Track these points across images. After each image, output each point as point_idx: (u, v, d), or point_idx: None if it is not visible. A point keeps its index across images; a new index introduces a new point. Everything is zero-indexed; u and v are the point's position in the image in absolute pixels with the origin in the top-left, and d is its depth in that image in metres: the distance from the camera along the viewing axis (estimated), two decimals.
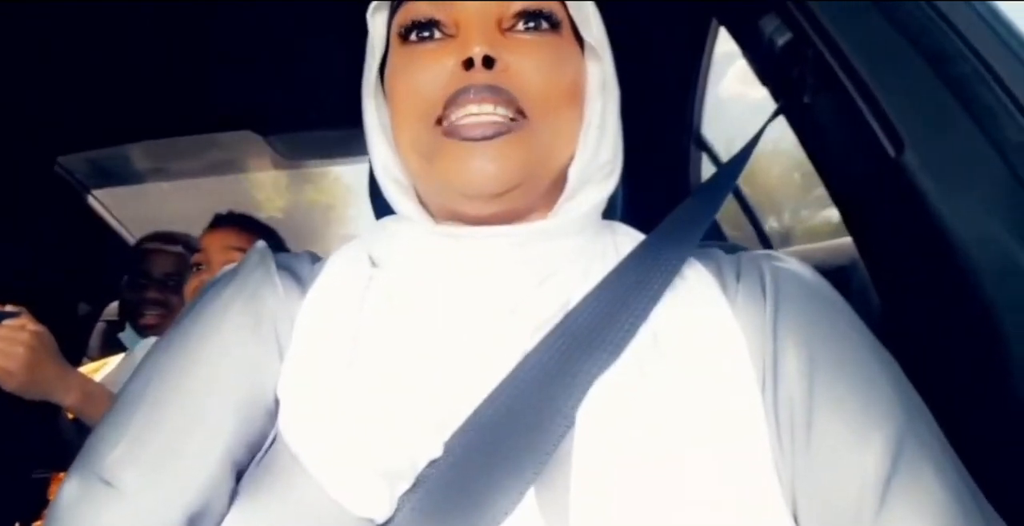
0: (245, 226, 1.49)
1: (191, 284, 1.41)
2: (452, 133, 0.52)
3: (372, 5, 0.60)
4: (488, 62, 0.52)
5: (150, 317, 1.65)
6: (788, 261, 0.58)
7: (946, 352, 0.67)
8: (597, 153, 0.57)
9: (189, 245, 1.76)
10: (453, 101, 0.52)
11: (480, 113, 0.52)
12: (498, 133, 0.51)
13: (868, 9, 0.70)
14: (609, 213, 0.63)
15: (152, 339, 1.60)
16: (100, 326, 2.12)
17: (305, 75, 1.52)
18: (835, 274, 1.08)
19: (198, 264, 1.43)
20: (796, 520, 0.46)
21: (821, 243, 1.36)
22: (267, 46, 1.42)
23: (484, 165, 0.52)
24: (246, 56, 1.45)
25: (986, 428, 0.62)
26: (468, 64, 0.52)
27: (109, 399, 1.15)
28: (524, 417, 0.47)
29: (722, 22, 1.01)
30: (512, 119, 0.52)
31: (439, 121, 0.53)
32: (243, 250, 1.39)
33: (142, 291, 1.66)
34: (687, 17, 1.19)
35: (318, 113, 1.69)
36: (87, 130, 1.76)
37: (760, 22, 0.78)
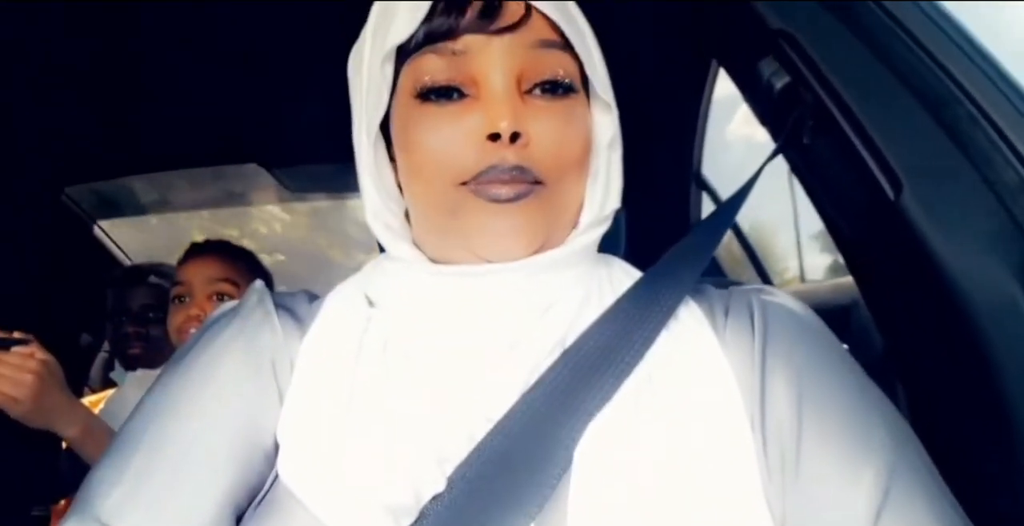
0: (226, 254, 1.46)
1: (176, 318, 1.38)
2: (480, 194, 0.52)
3: (380, 54, 0.56)
4: (515, 138, 0.51)
5: (134, 349, 1.63)
6: (777, 295, 0.58)
7: (947, 391, 0.67)
8: (605, 203, 0.58)
9: (163, 274, 1.73)
10: (480, 175, 0.52)
11: (505, 186, 0.52)
12: (520, 195, 0.52)
13: (865, 55, 0.71)
14: (612, 249, 0.64)
15: (140, 372, 1.59)
16: (102, 357, 2.12)
17: (311, 108, 1.54)
18: (838, 313, 1.08)
19: (180, 297, 1.40)
20: None
21: (823, 282, 1.37)
22: (274, 79, 1.44)
23: (508, 231, 0.52)
24: (252, 89, 1.48)
25: (986, 465, 0.62)
26: (494, 136, 0.51)
27: (109, 435, 1.14)
28: (525, 452, 0.48)
29: (722, 64, 1.03)
30: (532, 186, 0.52)
31: (464, 182, 0.53)
32: (228, 280, 1.38)
33: (122, 327, 1.65)
34: (689, 59, 1.22)
35: (324, 147, 1.70)
36: (94, 161, 1.78)
37: (759, 65, 0.79)
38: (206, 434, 0.52)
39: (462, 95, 0.53)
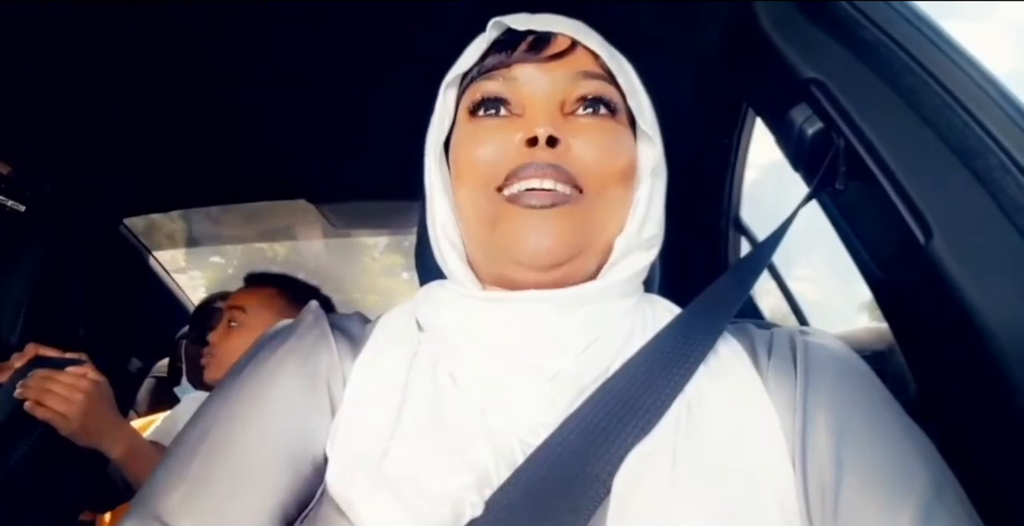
0: (291, 293, 1.48)
1: (230, 343, 1.40)
2: (515, 200, 0.56)
3: (445, 81, 0.65)
4: (551, 141, 0.56)
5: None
6: (820, 336, 0.59)
7: (980, 437, 0.66)
8: (643, 228, 0.61)
9: None
10: (515, 174, 0.56)
11: (541, 187, 0.56)
12: (556, 203, 0.56)
13: (896, 103, 0.73)
14: (647, 289, 0.66)
15: (197, 394, 1.63)
16: (149, 382, 2.17)
17: (359, 147, 1.60)
18: (874, 358, 1.07)
19: (233, 321, 1.42)
20: None
21: (861, 327, 1.35)
22: (324, 119, 1.49)
23: (541, 236, 0.55)
24: (303, 128, 1.53)
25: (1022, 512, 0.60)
26: (532, 142, 0.56)
27: (154, 456, 1.17)
28: (563, 480, 0.49)
29: (756, 111, 1.05)
30: (569, 193, 0.56)
31: (500, 189, 0.57)
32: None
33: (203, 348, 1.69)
34: (723, 102, 1.24)
35: (370, 184, 1.75)
36: (151, 195, 1.85)
37: (791, 112, 0.81)
38: (263, 444, 0.54)
39: (509, 112, 0.60)
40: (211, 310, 1.77)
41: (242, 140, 1.56)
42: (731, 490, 0.48)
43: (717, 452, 0.50)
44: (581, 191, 0.57)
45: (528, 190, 0.56)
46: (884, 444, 0.50)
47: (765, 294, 1.60)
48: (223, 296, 1.80)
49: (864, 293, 0.82)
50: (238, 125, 1.49)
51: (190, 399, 1.60)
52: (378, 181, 1.71)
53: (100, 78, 1.28)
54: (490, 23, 0.63)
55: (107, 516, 1.52)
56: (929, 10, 0.76)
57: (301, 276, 1.59)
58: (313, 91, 1.37)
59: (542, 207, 0.55)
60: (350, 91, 1.36)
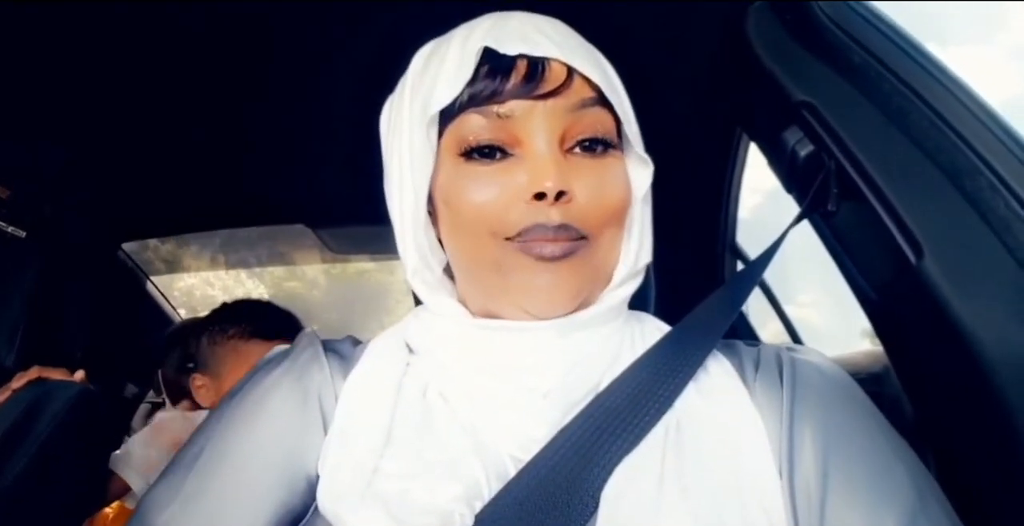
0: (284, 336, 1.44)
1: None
2: (526, 250, 0.54)
3: (426, 116, 0.56)
4: (559, 196, 0.53)
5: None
6: (806, 352, 0.60)
7: (975, 457, 0.66)
8: (639, 256, 0.60)
9: None
10: (526, 231, 0.53)
11: (552, 243, 0.53)
12: (567, 253, 0.54)
13: (886, 125, 0.74)
14: (641, 309, 0.67)
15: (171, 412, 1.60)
16: (144, 407, 2.15)
17: (356, 172, 1.60)
18: (870, 380, 1.07)
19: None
20: None
21: (858, 350, 1.35)
22: (321, 144, 1.50)
23: (554, 290, 0.54)
24: (301, 153, 1.54)
25: None
26: (540, 196, 0.53)
27: None
28: (553, 494, 0.49)
29: (748, 134, 1.06)
30: (577, 243, 0.54)
31: (509, 238, 0.54)
32: None
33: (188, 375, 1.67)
34: (717, 126, 1.25)
35: (367, 209, 1.75)
36: (150, 220, 1.86)
37: (783, 134, 0.82)
38: (255, 460, 0.55)
39: (505, 154, 0.55)
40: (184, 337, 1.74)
41: (240, 165, 1.57)
42: (718, 502, 0.48)
43: (705, 466, 0.50)
44: (586, 238, 0.55)
45: (540, 239, 0.53)
46: (869, 455, 0.51)
47: (766, 321, 1.60)
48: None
49: (865, 319, 0.82)
50: (236, 150, 1.50)
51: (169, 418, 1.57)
52: (375, 206, 1.70)
53: (100, 104, 1.29)
54: (475, 50, 0.56)
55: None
56: (929, 36, 0.78)
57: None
58: (311, 116, 1.39)
59: (554, 259, 0.53)
60: (348, 116, 1.37)
